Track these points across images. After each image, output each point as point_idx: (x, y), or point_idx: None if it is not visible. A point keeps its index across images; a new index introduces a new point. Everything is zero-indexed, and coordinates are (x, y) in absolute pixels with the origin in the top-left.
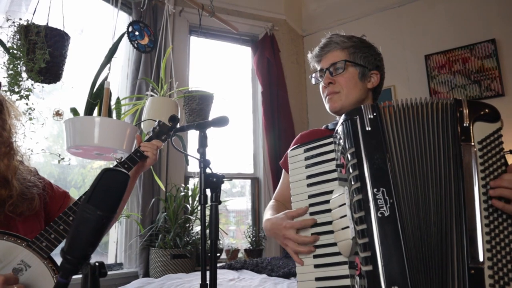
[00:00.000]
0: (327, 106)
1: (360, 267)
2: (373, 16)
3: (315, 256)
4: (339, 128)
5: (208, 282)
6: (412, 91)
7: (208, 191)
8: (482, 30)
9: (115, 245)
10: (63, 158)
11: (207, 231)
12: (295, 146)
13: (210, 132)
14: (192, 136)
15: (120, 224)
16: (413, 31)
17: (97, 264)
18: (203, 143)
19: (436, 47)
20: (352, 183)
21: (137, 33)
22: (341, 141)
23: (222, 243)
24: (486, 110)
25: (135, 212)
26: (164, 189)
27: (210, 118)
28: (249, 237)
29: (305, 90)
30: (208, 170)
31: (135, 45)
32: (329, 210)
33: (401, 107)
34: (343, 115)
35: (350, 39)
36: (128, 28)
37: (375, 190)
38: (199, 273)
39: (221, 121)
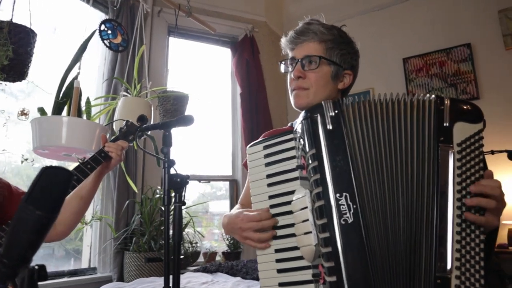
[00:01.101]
0: (292, 101)
1: (324, 276)
2: (353, 19)
3: (278, 261)
4: (299, 127)
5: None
6: (390, 94)
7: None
8: (458, 34)
9: (89, 249)
10: (26, 159)
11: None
12: (254, 142)
13: (190, 134)
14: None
15: (91, 227)
16: (392, 34)
17: (36, 267)
18: (167, 142)
19: (414, 50)
20: (314, 187)
21: (109, 31)
22: (301, 140)
23: (200, 246)
24: (469, 109)
25: (109, 215)
26: (137, 191)
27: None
28: (227, 239)
29: (285, 92)
30: (172, 171)
31: (108, 44)
32: (291, 212)
33: (368, 104)
34: (303, 112)
35: (330, 31)
36: (100, 27)
37: (337, 195)
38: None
39: (186, 120)
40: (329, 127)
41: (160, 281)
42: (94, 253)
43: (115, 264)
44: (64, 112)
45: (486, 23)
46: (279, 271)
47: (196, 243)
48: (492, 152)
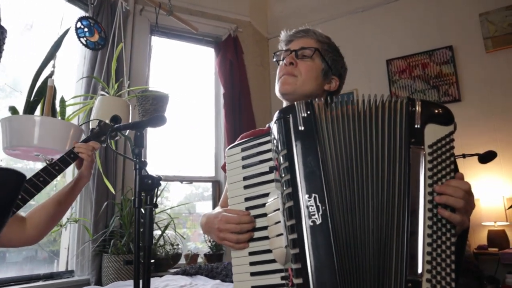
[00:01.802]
0: (277, 87)
1: (292, 279)
2: (338, 20)
3: (251, 264)
4: (273, 127)
5: None
6: (373, 95)
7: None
8: (440, 37)
9: (66, 251)
10: (1, 160)
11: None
12: (233, 144)
13: (173, 134)
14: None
15: (66, 229)
16: (375, 35)
17: None
18: (138, 143)
19: (397, 52)
20: (284, 188)
21: (86, 29)
22: (275, 141)
23: (182, 247)
24: (440, 111)
25: (88, 216)
26: (114, 192)
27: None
28: (209, 241)
29: (269, 93)
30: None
31: (84, 42)
32: (265, 215)
33: (340, 105)
34: (276, 113)
35: (328, 39)
36: (76, 24)
37: (306, 196)
38: (150, 279)
39: (158, 121)
40: (301, 128)
41: None
42: (71, 255)
43: (93, 267)
44: (38, 112)
45: (467, 26)
46: (252, 274)
47: (178, 245)
48: (464, 156)
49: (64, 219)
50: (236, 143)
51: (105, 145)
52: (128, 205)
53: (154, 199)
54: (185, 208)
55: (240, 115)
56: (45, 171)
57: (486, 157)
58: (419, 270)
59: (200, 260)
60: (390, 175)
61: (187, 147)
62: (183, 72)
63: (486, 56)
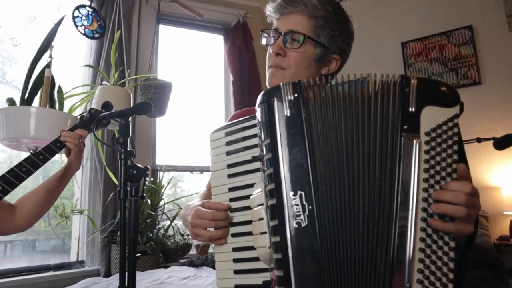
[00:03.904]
0: (267, 80)
1: (275, 285)
2: (349, 3)
3: (235, 261)
4: (257, 112)
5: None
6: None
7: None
8: (459, 16)
9: (77, 242)
10: None
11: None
12: (217, 128)
13: (184, 123)
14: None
15: (69, 221)
16: (390, 17)
17: None
18: (123, 132)
19: (413, 34)
20: (267, 183)
21: (84, 18)
22: (259, 127)
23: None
24: (442, 90)
25: (96, 207)
26: (117, 183)
27: (162, 107)
28: None
29: None
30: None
31: (82, 31)
32: (250, 208)
33: (330, 87)
34: (260, 95)
35: (324, 6)
36: (73, 13)
37: (291, 193)
38: (154, 271)
39: (143, 108)
40: (286, 113)
41: (141, 276)
42: (82, 246)
43: (102, 257)
44: (36, 103)
45: (488, 4)
46: (236, 272)
47: (188, 235)
48: (479, 140)
49: (68, 210)
50: (220, 126)
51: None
52: None
53: (141, 190)
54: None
55: (249, 102)
56: (28, 160)
57: (504, 142)
58: (408, 282)
59: (211, 250)
60: (381, 170)
61: (197, 136)
62: (193, 61)
63: (509, 35)
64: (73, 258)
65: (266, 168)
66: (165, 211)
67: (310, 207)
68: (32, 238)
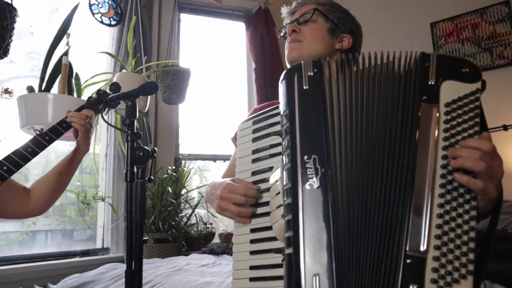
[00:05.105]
0: (286, 58)
1: (284, 251)
2: None
3: (252, 241)
4: (279, 90)
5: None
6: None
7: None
8: None
9: (102, 229)
10: (5, 138)
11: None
12: (246, 118)
13: (208, 112)
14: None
15: (89, 208)
16: None
17: None
18: (130, 113)
19: (442, 14)
20: (284, 149)
21: (100, 5)
22: (281, 104)
23: (215, 227)
24: (462, 66)
25: (120, 195)
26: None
27: (181, 93)
28: None
29: None
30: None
31: (99, 19)
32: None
33: (352, 62)
34: (282, 74)
35: (330, 0)
36: (89, 1)
37: (305, 157)
38: (174, 258)
39: (149, 88)
40: (305, 87)
41: (160, 262)
42: (106, 233)
43: (126, 245)
44: (55, 90)
45: None
46: (252, 252)
47: (211, 223)
48: (505, 128)
49: (90, 198)
50: (249, 117)
51: (101, 113)
52: (157, 183)
53: (146, 173)
54: None
55: (272, 89)
56: (34, 141)
57: None
58: (423, 245)
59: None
60: (398, 137)
61: (221, 125)
62: (215, 49)
63: None
64: (98, 245)
65: (284, 136)
66: (187, 200)
67: (323, 170)
68: (70, 227)
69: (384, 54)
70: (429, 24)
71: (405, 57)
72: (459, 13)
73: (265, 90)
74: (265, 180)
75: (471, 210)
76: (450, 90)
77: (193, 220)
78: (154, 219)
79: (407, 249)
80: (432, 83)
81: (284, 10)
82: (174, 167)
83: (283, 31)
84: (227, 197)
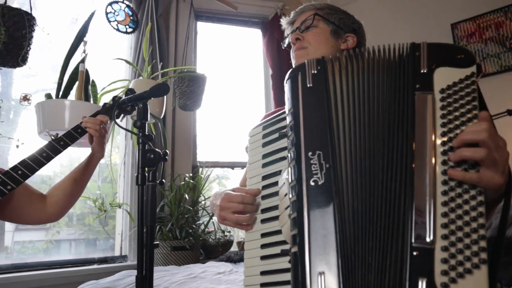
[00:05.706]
0: (293, 64)
1: (291, 251)
2: None
3: (263, 246)
4: (285, 89)
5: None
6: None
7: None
8: None
9: (120, 236)
10: (23, 143)
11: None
12: (256, 125)
13: (226, 120)
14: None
15: (106, 215)
16: None
17: None
18: (141, 116)
19: (464, 14)
20: (290, 146)
21: (116, 13)
22: (287, 104)
23: (233, 235)
24: (455, 52)
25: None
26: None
27: (196, 99)
28: None
29: None
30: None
31: (115, 27)
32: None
33: (354, 58)
34: (288, 73)
35: (328, 4)
36: (106, 9)
37: (309, 153)
38: (191, 265)
39: (160, 90)
40: (309, 84)
41: (176, 270)
42: (124, 241)
43: None
44: (73, 97)
45: None
46: (262, 258)
47: (229, 231)
48: (509, 113)
49: (107, 205)
50: (259, 123)
51: (120, 119)
52: (174, 190)
53: (157, 175)
54: None
55: None
56: (48, 146)
57: None
58: (429, 236)
59: None
60: (395, 128)
61: (239, 132)
62: (232, 57)
63: None
64: (117, 253)
65: (289, 134)
66: (205, 207)
67: (327, 165)
68: (93, 237)
69: (381, 47)
70: (450, 25)
71: (398, 48)
72: (480, 12)
73: (282, 96)
74: (276, 184)
75: (478, 195)
76: (444, 76)
77: (211, 227)
78: (171, 226)
79: (413, 241)
80: (425, 71)
81: (284, 21)
82: (191, 174)
83: (286, 41)
84: (226, 206)
